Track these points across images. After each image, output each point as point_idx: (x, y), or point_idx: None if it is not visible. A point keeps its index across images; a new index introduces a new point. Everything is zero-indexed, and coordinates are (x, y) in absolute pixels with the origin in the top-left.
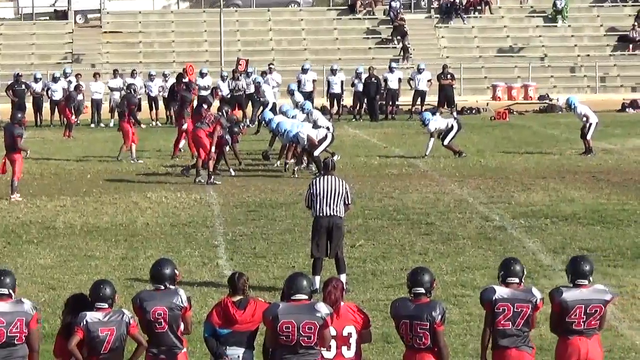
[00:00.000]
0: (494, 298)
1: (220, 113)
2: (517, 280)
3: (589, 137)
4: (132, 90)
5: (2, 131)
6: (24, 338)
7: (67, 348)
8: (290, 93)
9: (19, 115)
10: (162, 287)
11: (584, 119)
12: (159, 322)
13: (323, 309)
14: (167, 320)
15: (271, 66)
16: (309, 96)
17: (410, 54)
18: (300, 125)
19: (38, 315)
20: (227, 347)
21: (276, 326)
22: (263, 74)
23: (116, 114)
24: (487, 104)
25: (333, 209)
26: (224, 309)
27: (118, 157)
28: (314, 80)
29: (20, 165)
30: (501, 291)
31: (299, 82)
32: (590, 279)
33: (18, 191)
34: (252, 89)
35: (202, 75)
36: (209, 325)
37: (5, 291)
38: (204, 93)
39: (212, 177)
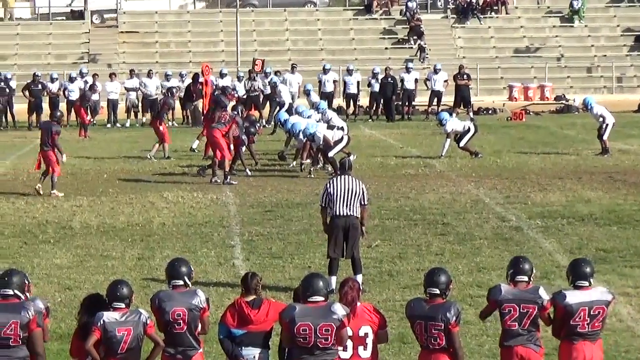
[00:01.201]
0: (499, 298)
1: (235, 112)
2: (525, 278)
3: (605, 137)
4: (170, 93)
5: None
6: (19, 340)
7: (84, 348)
8: (307, 93)
9: (58, 113)
10: (180, 283)
11: (600, 119)
12: (177, 323)
13: (340, 310)
14: (186, 321)
15: (294, 66)
16: (329, 96)
17: (427, 54)
18: (315, 125)
19: (39, 319)
20: (243, 348)
21: (293, 328)
22: (277, 73)
23: (132, 113)
24: (504, 104)
25: (350, 209)
26: (238, 309)
27: (150, 156)
28: (334, 81)
29: (55, 161)
30: (507, 291)
31: (320, 82)
32: (591, 280)
33: (57, 187)
34: (269, 90)
35: (222, 75)
36: (223, 326)
37: (9, 292)
38: None
39: (229, 177)
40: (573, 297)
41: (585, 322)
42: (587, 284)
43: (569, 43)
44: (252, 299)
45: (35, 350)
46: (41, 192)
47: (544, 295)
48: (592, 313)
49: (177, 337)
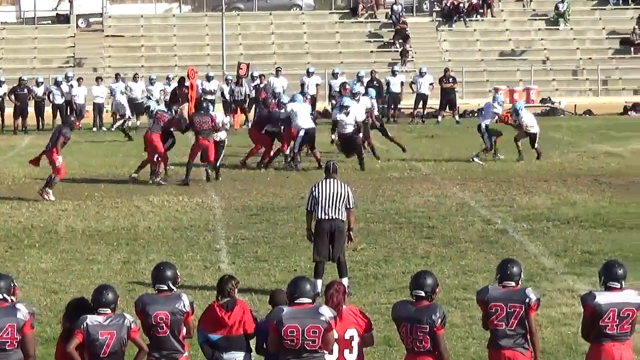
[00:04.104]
0: (486, 298)
1: (168, 112)
2: (512, 284)
3: (537, 146)
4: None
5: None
6: (15, 344)
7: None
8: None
9: (72, 118)
10: (165, 288)
11: (526, 126)
12: (160, 327)
13: (327, 312)
14: (169, 325)
15: (279, 69)
16: (312, 100)
17: (412, 58)
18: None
19: (32, 321)
20: (224, 353)
21: (281, 330)
22: (262, 76)
23: (119, 117)
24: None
25: (335, 212)
26: (211, 312)
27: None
28: (317, 84)
29: (57, 164)
30: (495, 291)
31: (302, 85)
32: (623, 283)
33: (52, 188)
34: (254, 94)
35: (208, 79)
36: (200, 332)
37: None
38: (210, 97)
39: (158, 177)
40: (603, 297)
41: (614, 324)
42: (618, 285)
43: (554, 46)
44: (225, 301)
45: (29, 353)
46: (50, 198)
47: (532, 295)
48: (621, 315)
49: (161, 340)
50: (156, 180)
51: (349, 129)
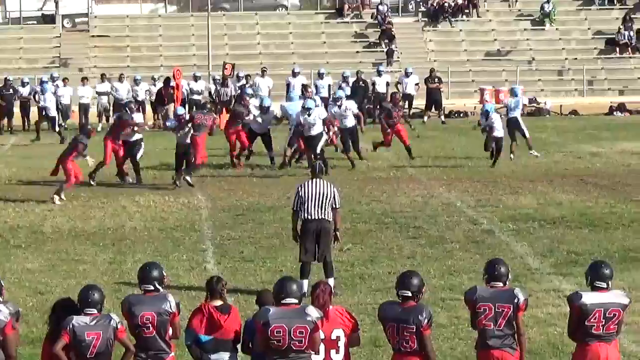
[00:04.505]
0: (474, 298)
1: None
2: (500, 284)
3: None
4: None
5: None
6: None
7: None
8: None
9: (88, 126)
10: (151, 288)
11: (489, 128)
12: (146, 327)
13: (313, 312)
14: (155, 325)
15: (264, 70)
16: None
17: (398, 58)
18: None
19: (13, 321)
20: (211, 354)
21: (267, 330)
22: (247, 76)
23: (104, 118)
24: (475, 107)
25: (321, 213)
26: (207, 315)
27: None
28: (302, 84)
29: (71, 172)
30: (483, 291)
31: (288, 85)
32: (609, 283)
33: (61, 194)
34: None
35: (195, 79)
36: (190, 332)
37: None
38: (197, 97)
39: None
40: (589, 297)
41: (600, 324)
42: (604, 285)
43: (540, 46)
44: (220, 305)
45: (10, 354)
46: (57, 202)
47: (520, 295)
48: (607, 315)
49: (147, 341)
50: (129, 181)
51: (315, 130)
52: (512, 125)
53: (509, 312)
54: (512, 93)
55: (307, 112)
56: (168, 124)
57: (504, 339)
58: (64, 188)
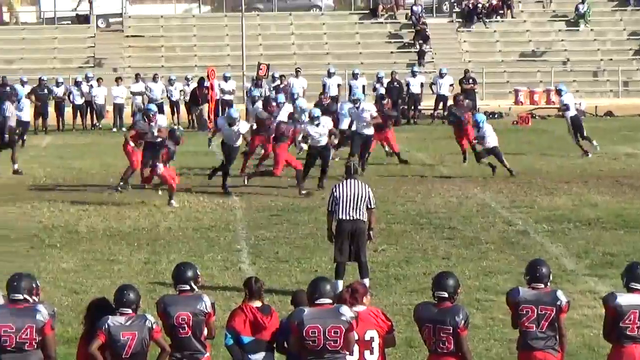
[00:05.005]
0: (517, 299)
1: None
2: (542, 286)
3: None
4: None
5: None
6: (35, 345)
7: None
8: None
9: (177, 133)
10: (186, 288)
11: (482, 138)
12: (182, 327)
13: (348, 312)
14: (191, 326)
15: (298, 70)
16: (334, 100)
17: (432, 59)
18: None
19: (52, 322)
20: (251, 354)
21: (302, 331)
22: (282, 77)
23: None
24: (510, 108)
25: (356, 213)
26: (251, 316)
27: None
28: (338, 85)
29: (171, 177)
30: (525, 293)
31: (324, 86)
32: None
33: (173, 197)
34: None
35: (225, 79)
36: (232, 332)
37: (19, 296)
38: (228, 97)
39: (123, 185)
40: (624, 299)
41: (635, 325)
42: None
43: (574, 47)
44: (261, 306)
45: (49, 354)
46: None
47: (563, 297)
48: None
49: (183, 341)
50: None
51: (323, 141)
52: (575, 122)
53: (551, 314)
54: (560, 92)
55: (316, 122)
56: (219, 121)
57: (547, 341)
58: (172, 192)
